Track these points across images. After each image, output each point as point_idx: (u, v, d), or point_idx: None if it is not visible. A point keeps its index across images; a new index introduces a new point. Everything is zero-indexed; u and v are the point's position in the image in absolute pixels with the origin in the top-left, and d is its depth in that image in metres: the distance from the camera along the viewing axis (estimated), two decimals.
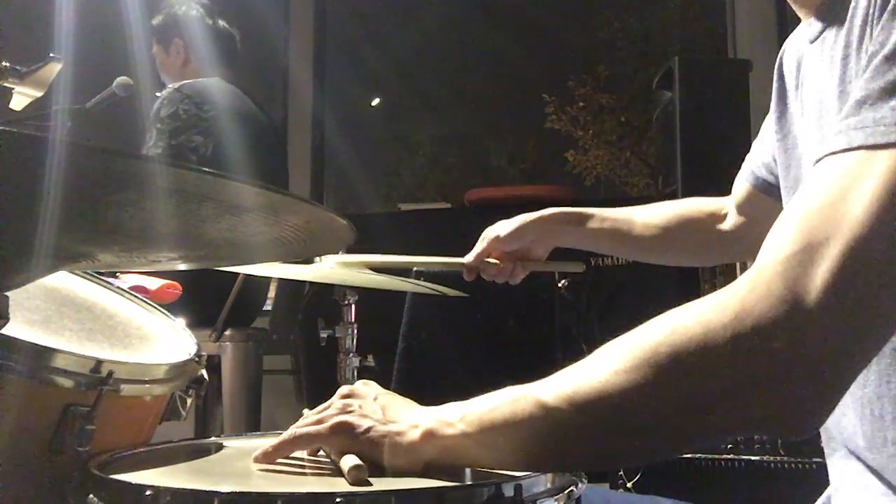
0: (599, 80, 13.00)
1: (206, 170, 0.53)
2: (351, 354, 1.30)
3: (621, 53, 13.33)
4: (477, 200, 3.51)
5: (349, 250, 1.24)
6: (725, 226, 1.16)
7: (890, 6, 0.59)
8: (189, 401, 0.93)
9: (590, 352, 0.62)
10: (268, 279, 2.43)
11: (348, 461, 0.65)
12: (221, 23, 2.48)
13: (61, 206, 0.53)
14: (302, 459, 0.72)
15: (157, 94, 2.25)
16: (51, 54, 1.40)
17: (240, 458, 0.78)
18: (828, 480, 0.83)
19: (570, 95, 13.02)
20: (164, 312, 1.05)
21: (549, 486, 0.65)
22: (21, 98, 1.42)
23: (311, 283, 2.07)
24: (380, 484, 0.63)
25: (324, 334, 1.31)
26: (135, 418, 0.86)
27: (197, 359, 0.93)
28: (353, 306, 1.31)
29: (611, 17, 13.26)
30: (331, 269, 1.24)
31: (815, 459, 1.57)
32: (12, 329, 0.68)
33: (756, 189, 1.05)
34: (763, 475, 1.62)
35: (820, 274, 0.53)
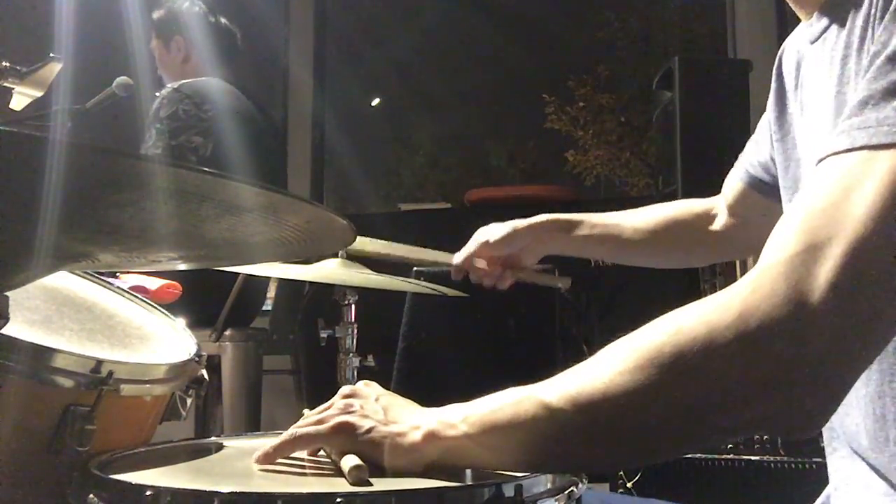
0: (599, 80, 13.00)
1: (206, 170, 0.53)
2: (351, 354, 1.30)
3: (621, 53, 13.32)
4: (477, 200, 3.52)
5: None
6: (716, 226, 1.16)
7: (892, 7, 0.59)
8: (189, 401, 0.93)
9: (590, 352, 0.62)
10: (268, 279, 2.43)
11: (349, 461, 0.65)
12: (223, 20, 2.47)
13: (61, 206, 0.53)
14: (302, 459, 0.72)
15: (157, 93, 2.24)
16: (51, 54, 1.41)
17: (240, 458, 0.78)
18: (828, 480, 0.83)
19: (570, 95, 13.01)
20: (164, 312, 1.05)
21: (549, 486, 0.65)
22: (21, 98, 1.42)
23: (311, 283, 2.07)
24: (380, 484, 0.63)
25: (324, 334, 1.31)
26: (135, 418, 0.86)
27: (197, 359, 0.93)
28: (353, 306, 1.31)
29: (611, 17, 13.25)
30: (331, 269, 1.24)
31: (815, 459, 1.57)
32: (12, 329, 0.68)
33: (750, 187, 1.05)
34: (763, 475, 1.62)
35: (823, 274, 0.53)
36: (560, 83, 13.04)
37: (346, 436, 0.68)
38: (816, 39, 0.78)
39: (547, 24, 13.72)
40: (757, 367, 0.54)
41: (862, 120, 0.56)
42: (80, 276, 1.03)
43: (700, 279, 2.31)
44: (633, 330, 0.60)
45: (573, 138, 13.02)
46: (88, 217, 0.59)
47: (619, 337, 0.61)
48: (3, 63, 1.36)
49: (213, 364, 2.17)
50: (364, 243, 1.24)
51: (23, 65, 1.38)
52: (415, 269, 1.83)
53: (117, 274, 1.34)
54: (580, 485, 0.66)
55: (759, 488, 1.62)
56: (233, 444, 0.87)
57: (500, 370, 1.71)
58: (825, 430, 0.81)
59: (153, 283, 1.43)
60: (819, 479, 0.85)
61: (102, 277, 1.06)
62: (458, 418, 0.64)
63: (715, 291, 0.58)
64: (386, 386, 0.76)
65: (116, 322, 0.97)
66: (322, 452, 0.73)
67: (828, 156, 0.58)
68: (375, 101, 14.70)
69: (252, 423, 2.26)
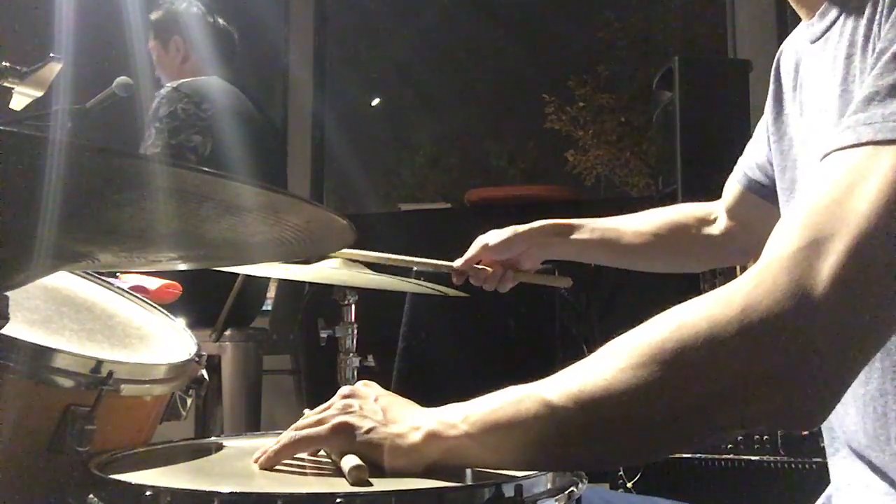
0: (599, 80, 12.99)
1: (206, 170, 0.53)
2: (351, 354, 1.30)
3: (621, 53, 13.32)
4: (477, 200, 3.52)
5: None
6: (715, 230, 1.16)
7: None
8: (189, 401, 0.93)
9: (590, 352, 0.62)
10: (268, 279, 2.43)
11: (349, 461, 0.65)
12: (221, 21, 2.47)
13: (61, 206, 0.53)
14: (302, 460, 0.72)
15: (157, 93, 2.24)
16: (51, 54, 1.40)
17: (240, 458, 0.78)
18: (828, 480, 0.83)
19: (570, 95, 13.00)
20: (164, 312, 1.05)
21: (549, 486, 0.65)
22: (21, 98, 1.42)
23: (311, 283, 2.08)
24: (380, 484, 0.63)
25: (324, 334, 1.31)
26: (135, 418, 0.86)
27: (197, 359, 0.93)
28: (353, 306, 1.31)
29: (611, 17, 13.25)
30: (331, 269, 1.24)
31: (815, 459, 1.57)
32: (12, 329, 0.68)
33: (748, 191, 1.05)
34: (763, 475, 1.62)
35: (826, 269, 0.53)
36: (560, 83, 13.03)
37: (345, 436, 0.67)
38: (818, 39, 0.78)
39: (547, 24, 13.71)
40: (759, 362, 0.54)
41: (867, 116, 0.57)
42: (80, 276, 1.03)
43: (700, 279, 2.31)
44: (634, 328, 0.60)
45: (573, 138, 13.01)
46: (88, 217, 0.59)
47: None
48: (3, 63, 1.36)
49: (213, 364, 2.17)
50: (363, 255, 1.24)
51: (23, 65, 1.38)
52: (415, 269, 1.83)
53: (117, 274, 1.34)
54: (580, 485, 0.66)
55: (759, 488, 1.62)
56: (233, 444, 0.87)
57: (500, 370, 1.71)
58: (826, 431, 0.81)
59: (153, 283, 1.43)
60: (819, 479, 0.85)
61: (102, 277, 1.06)
62: (459, 418, 0.64)
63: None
64: (386, 386, 0.76)
65: (116, 322, 0.97)
66: (322, 452, 0.73)
67: (832, 151, 0.58)
68: (375, 101, 14.69)
69: (252, 423, 2.26)
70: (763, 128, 0.97)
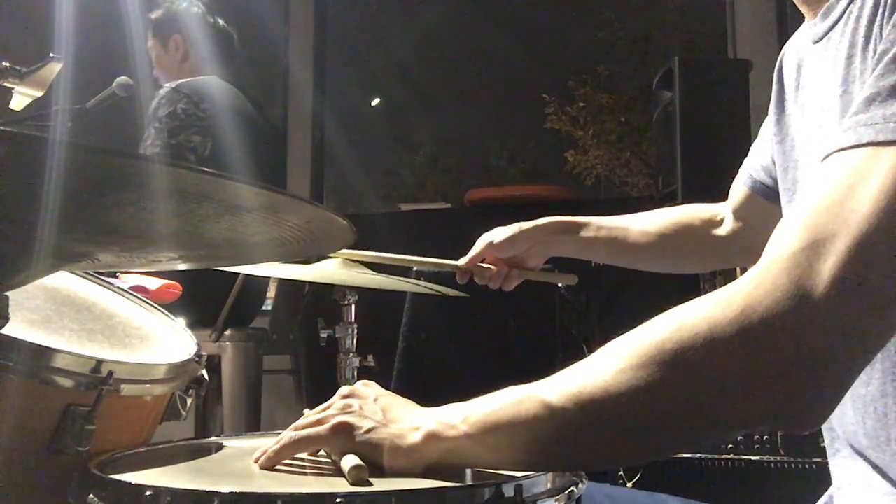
0: (599, 80, 12.99)
1: (206, 170, 0.53)
2: (351, 354, 1.30)
3: (621, 53, 13.32)
4: (477, 200, 3.52)
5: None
6: (722, 231, 1.15)
7: None
8: (189, 401, 0.93)
9: (590, 352, 0.62)
10: (268, 279, 2.43)
11: (349, 461, 0.65)
12: (221, 21, 2.48)
13: (61, 206, 0.53)
14: (302, 459, 0.72)
15: (156, 92, 2.24)
16: (51, 54, 1.40)
17: (240, 458, 0.78)
18: (828, 480, 0.83)
19: (570, 95, 13.00)
20: (164, 312, 1.05)
21: (549, 486, 0.65)
22: (21, 98, 1.42)
23: (311, 283, 2.08)
24: (380, 484, 0.63)
25: (324, 334, 1.31)
26: (135, 418, 0.86)
27: (197, 359, 0.93)
28: (353, 306, 1.31)
29: (611, 17, 13.25)
30: (331, 269, 1.24)
31: (815, 459, 1.57)
32: (12, 329, 0.68)
33: (753, 192, 1.04)
34: (763, 475, 1.62)
35: (826, 269, 0.53)
36: (560, 83, 13.03)
37: (345, 436, 0.67)
38: (820, 39, 0.78)
39: (547, 24, 13.72)
40: (759, 363, 0.54)
41: (868, 117, 0.56)
42: (80, 276, 1.03)
43: (700, 279, 2.31)
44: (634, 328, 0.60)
45: (573, 138, 13.01)
46: (88, 217, 0.59)
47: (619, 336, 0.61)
48: (3, 63, 1.36)
49: (213, 364, 2.17)
50: (364, 255, 1.24)
51: (23, 65, 1.38)
52: (415, 269, 1.83)
53: (117, 274, 1.34)
54: (580, 484, 0.66)
55: (759, 488, 1.62)
56: (233, 444, 0.87)
57: (500, 370, 1.71)
58: (826, 432, 0.81)
59: (153, 283, 1.43)
60: (820, 479, 0.85)
61: (102, 277, 1.06)
62: (459, 418, 0.64)
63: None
64: (386, 386, 0.76)
65: (116, 322, 0.97)
66: (322, 452, 0.73)
67: (833, 152, 0.58)
68: (375, 101, 14.69)
69: (252, 423, 2.26)
70: (767, 129, 0.97)
